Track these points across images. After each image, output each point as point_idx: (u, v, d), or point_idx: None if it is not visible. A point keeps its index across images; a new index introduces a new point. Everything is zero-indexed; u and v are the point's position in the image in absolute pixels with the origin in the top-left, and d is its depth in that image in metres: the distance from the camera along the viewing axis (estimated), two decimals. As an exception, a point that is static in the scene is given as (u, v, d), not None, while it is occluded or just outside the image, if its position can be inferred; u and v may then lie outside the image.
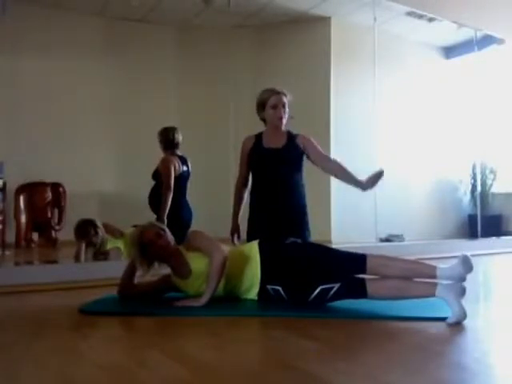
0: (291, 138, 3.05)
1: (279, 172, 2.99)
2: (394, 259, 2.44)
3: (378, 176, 2.89)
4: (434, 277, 2.29)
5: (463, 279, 2.24)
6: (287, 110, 3.04)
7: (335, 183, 6.23)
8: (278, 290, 2.50)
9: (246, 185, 3.18)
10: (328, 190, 5.87)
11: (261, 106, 3.07)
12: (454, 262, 2.27)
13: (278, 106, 3.01)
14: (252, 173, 3.13)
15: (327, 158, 3.07)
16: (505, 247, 5.85)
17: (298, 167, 3.04)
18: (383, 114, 6.09)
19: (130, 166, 5.51)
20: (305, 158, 3.07)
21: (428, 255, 5.01)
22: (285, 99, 3.03)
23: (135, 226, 2.90)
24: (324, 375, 1.54)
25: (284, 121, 3.04)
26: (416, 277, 2.37)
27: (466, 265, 2.24)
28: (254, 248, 2.62)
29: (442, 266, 2.30)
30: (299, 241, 2.67)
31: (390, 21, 6.28)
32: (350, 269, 2.43)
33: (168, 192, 4.00)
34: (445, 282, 2.25)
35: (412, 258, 4.97)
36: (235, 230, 3.17)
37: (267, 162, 3.02)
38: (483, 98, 6.69)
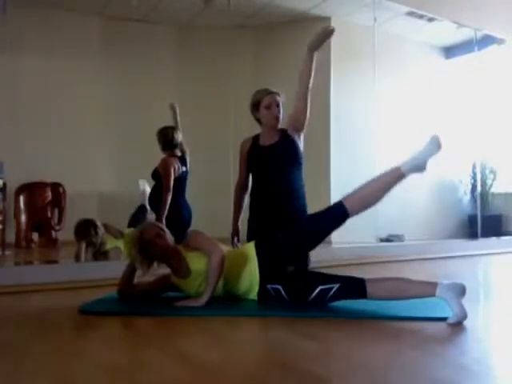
0: (284, 132, 3.06)
1: (278, 170, 2.99)
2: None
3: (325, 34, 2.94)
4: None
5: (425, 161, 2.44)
6: (281, 109, 3.05)
7: (335, 183, 6.26)
8: (279, 289, 2.50)
9: (245, 188, 3.18)
10: (328, 190, 5.86)
11: (255, 106, 3.08)
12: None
13: (272, 106, 3.02)
14: (252, 174, 3.13)
15: (297, 105, 3.05)
16: (505, 247, 5.85)
17: (296, 164, 3.03)
18: (383, 113, 6.09)
19: (130, 166, 5.51)
20: (304, 157, 3.08)
21: (428, 255, 5.02)
22: (278, 98, 3.04)
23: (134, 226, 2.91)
24: (324, 375, 1.54)
25: (280, 120, 3.05)
26: None
27: (435, 144, 2.44)
28: (251, 248, 2.62)
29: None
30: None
31: (390, 21, 6.28)
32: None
33: (168, 194, 4.01)
34: (445, 281, 2.25)
35: (412, 257, 4.98)
36: (235, 233, 3.18)
37: (265, 160, 3.02)
38: (483, 98, 6.69)
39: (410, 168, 2.47)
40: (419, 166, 2.48)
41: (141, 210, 4.66)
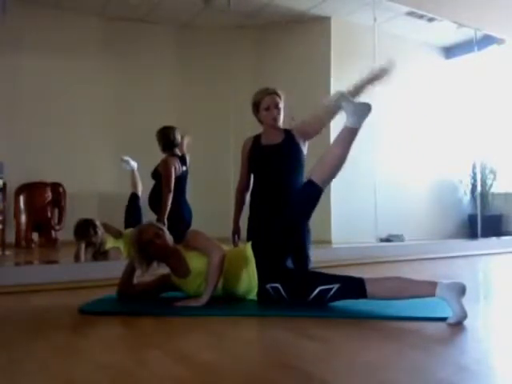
0: (289, 133, 3.06)
1: (280, 171, 2.99)
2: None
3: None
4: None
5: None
6: (281, 109, 3.05)
7: (335, 183, 6.25)
8: (278, 288, 2.50)
9: (247, 188, 3.17)
10: (328, 190, 5.84)
11: (255, 107, 3.08)
12: None
13: (271, 108, 3.02)
14: (253, 172, 3.13)
15: (315, 120, 3.04)
16: (505, 247, 5.86)
17: (298, 164, 3.04)
18: (383, 114, 6.08)
19: (130, 166, 5.51)
20: (305, 156, 3.08)
21: (428, 255, 5.02)
22: (278, 99, 3.03)
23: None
24: (324, 375, 1.54)
25: (279, 121, 3.05)
26: None
27: (341, 97, 2.48)
28: (249, 249, 2.62)
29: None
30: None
31: (390, 21, 6.28)
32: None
33: (168, 194, 4.01)
34: (445, 281, 2.24)
35: (412, 257, 4.98)
36: (236, 231, 3.18)
37: (267, 159, 3.03)
38: (483, 97, 6.69)
39: (354, 119, 2.50)
40: (360, 111, 2.52)
41: (133, 200, 4.61)
